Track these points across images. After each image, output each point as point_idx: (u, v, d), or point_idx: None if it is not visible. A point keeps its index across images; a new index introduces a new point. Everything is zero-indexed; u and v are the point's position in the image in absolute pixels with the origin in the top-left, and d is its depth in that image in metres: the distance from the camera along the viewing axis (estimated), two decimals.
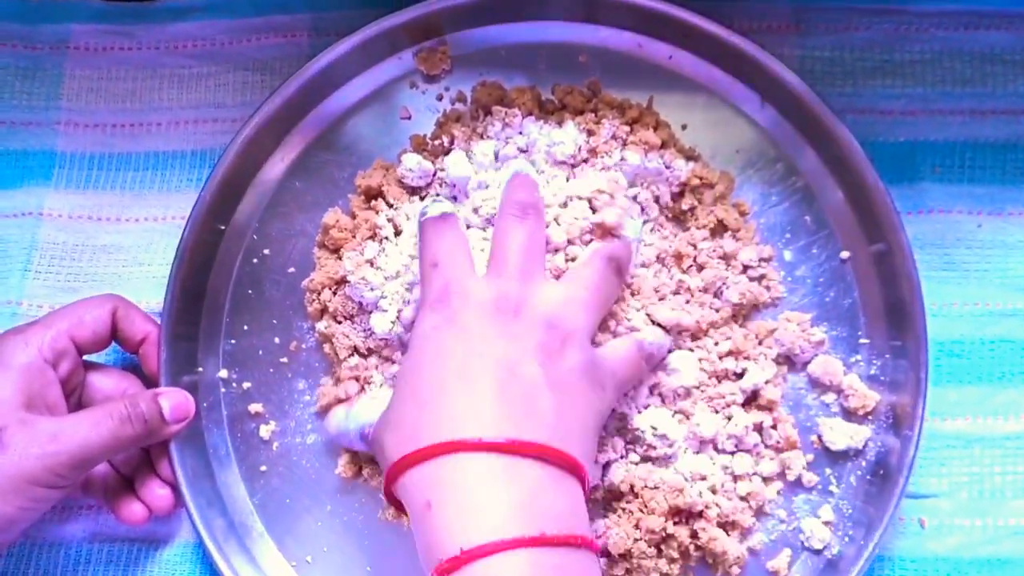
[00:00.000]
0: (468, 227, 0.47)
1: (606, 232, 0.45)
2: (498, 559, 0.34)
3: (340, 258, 0.50)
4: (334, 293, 0.50)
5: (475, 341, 0.39)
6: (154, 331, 0.49)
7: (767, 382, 0.48)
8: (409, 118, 0.53)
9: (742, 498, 0.47)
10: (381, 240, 0.49)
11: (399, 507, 0.40)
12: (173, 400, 0.47)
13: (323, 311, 0.50)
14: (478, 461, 0.36)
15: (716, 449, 0.47)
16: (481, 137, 0.50)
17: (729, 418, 0.47)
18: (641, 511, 0.45)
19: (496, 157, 0.49)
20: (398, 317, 0.47)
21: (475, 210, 0.48)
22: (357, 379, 0.48)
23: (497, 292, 0.41)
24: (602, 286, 0.44)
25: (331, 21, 0.55)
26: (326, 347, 0.50)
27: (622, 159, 0.48)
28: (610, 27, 0.52)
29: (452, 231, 0.44)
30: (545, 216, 0.45)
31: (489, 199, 0.47)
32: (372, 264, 0.48)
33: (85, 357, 0.48)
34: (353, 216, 0.51)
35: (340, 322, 0.49)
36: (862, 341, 0.49)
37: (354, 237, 0.50)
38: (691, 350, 0.48)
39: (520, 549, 0.34)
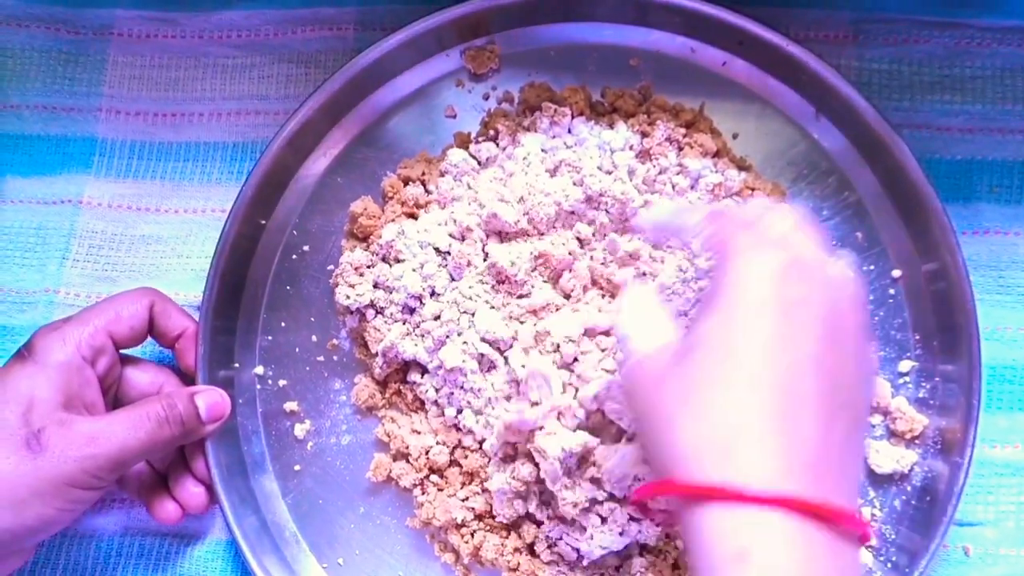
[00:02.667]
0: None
1: None
2: None
3: (369, 246, 0.49)
4: (360, 276, 0.49)
5: (822, 338, 0.31)
6: (191, 326, 0.48)
7: None
8: (455, 116, 0.52)
9: None
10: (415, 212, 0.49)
11: (646, 511, 0.35)
12: (209, 399, 0.46)
13: (351, 311, 0.49)
14: (790, 529, 0.29)
15: None
16: (527, 131, 0.49)
17: None
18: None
19: (543, 151, 0.49)
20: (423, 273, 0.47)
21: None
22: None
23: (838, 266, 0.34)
24: None
25: (378, 16, 0.54)
26: (356, 349, 0.50)
27: (680, 165, 0.47)
28: (662, 30, 0.51)
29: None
30: None
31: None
32: (403, 233, 0.48)
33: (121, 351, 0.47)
34: (385, 197, 0.50)
35: (372, 316, 0.49)
36: (911, 363, 0.48)
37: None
38: None
39: None
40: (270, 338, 0.51)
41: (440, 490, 0.48)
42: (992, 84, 0.51)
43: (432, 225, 0.48)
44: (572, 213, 0.48)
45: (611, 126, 0.49)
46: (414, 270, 0.48)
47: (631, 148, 0.48)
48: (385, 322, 0.48)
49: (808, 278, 0.33)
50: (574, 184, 0.47)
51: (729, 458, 0.30)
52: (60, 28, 0.55)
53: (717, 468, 0.30)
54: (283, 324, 0.51)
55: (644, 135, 0.48)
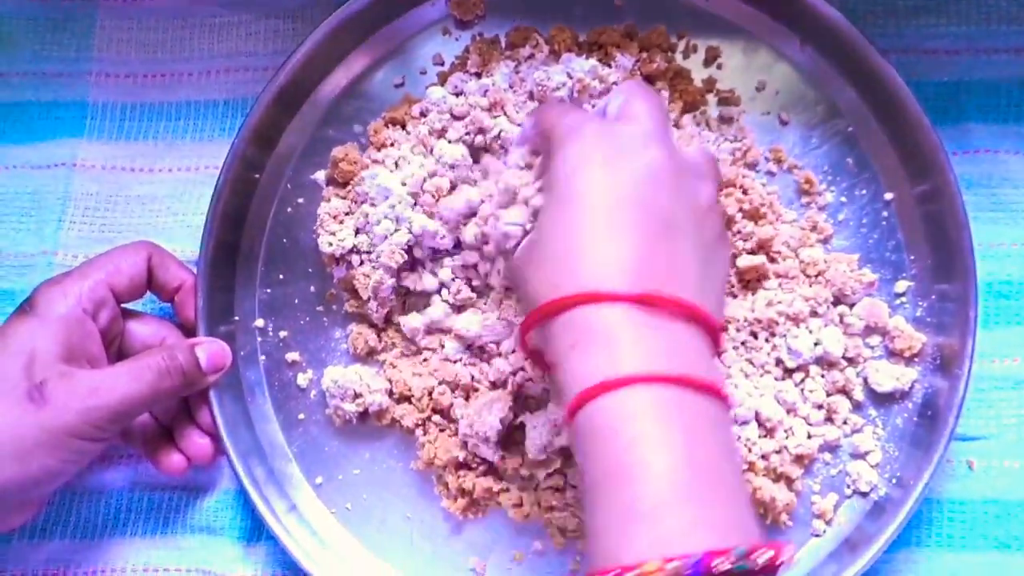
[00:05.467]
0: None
1: None
2: (641, 390, 0.33)
3: (348, 192, 0.49)
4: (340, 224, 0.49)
5: (628, 185, 0.37)
6: (189, 279, 0.48)
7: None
8: (442, 64, 0.52)
9: (789, 450, 0.46)
10: (395, 155, 0.49)
11: (533, 356, 0.39)
12: (210, 350, 0.47)
13: (338, 259, 0.49)
14: (621, 312, 0.34)
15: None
16: (507, 61, 0.50)
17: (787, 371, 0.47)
18: None
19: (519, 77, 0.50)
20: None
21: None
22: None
23: (640, 120, 0.39)
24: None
25: None
26: (348, 301, 0.50)
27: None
28: None
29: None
30: None
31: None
32: (383, 164, 0.49)
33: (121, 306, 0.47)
34: (369, 141, 0.50)
35: (358, 263, 0.49)
36: (907, 283, 0.48)
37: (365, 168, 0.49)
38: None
39: (658, 384, 0.33)
40: (268, 291, 0.51)
41: (442, 431, 0.48)
42: (976, 5, 0.51)
43: (405, 165, 0.48)
44: None
45: (600, 62, 0.49)
46: (386, 216, 0.48)
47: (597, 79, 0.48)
48: (373, 267, 0.48)
49: (620, 150, 0.37)
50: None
51: (572, 276, 0.36)
52: None
53: (565, 287, 0.36)
54: (281, 276, 0.51)
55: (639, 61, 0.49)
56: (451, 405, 0.48)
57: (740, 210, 0.48)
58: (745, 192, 0.48)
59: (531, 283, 0.38)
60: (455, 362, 0.48)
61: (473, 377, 0.48)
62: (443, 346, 0.49)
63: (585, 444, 0.34)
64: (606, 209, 0.36)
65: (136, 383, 0.43)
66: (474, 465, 0.47)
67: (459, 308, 0.49)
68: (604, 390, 0.33)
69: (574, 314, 0.35)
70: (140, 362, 0.44)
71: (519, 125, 0.48)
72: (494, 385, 0.47)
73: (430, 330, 0.49)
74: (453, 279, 0.48)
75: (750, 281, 0.48)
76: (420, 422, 0.48)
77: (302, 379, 0.50)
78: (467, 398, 0.48)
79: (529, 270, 0.38)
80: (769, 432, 0.46)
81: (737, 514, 0.32)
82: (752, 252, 0.48)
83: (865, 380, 0.47)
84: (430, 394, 0.48)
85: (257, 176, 0.51)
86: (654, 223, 0.36)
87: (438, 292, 0.49)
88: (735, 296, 0.48)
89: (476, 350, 0.48)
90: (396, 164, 0.49)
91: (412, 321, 0.49)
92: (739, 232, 0.48)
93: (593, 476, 0.33)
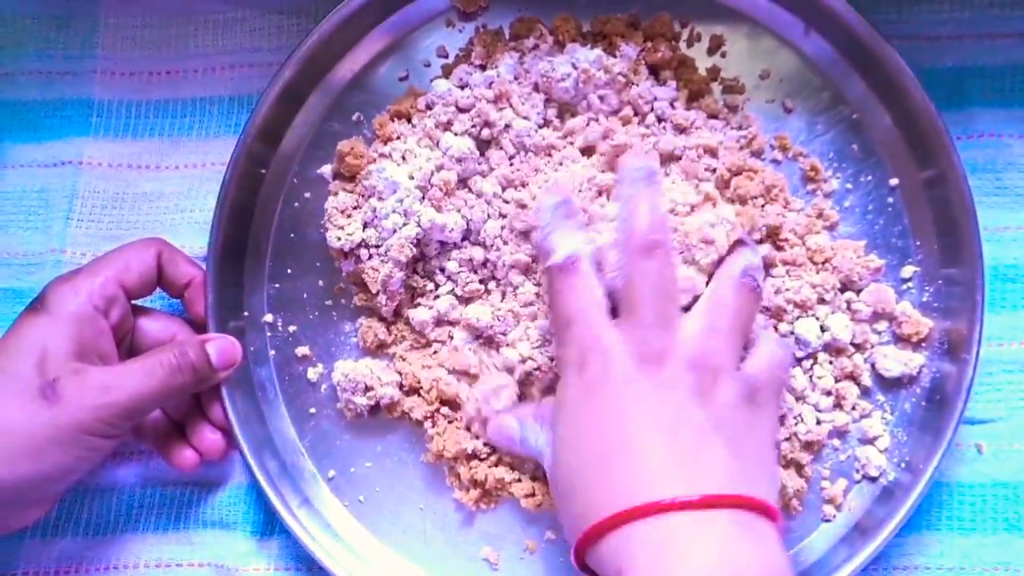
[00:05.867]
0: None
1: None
2: None
3: (356, 186, 0.49)
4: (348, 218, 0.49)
5: (627, 403, 0.38)
6: (199, 275, 0.48)
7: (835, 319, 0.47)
8: (446, 56, 0.52)
9: (798, 437, 0.47)
10: (402, 149, 0.49)
11: (591, 573, 0.39)
12: (220, 346, 0.47)
13: (347, 253, 0.49)
14: (662, 524, 0.35)
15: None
16: (511, 52, 0.50)
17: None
18: None
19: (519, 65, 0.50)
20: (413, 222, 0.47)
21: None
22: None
23: (638, 345, 0.39)
24: (741, 306, 0.41)
25: None
26: (357, 295, 0.50)
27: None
28: None
29: (581, 279, 0.41)
30: (673, 249, 0.42)
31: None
32: (390, 158, 0.49)
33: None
34: (375, 135, 0.50)
35: (366, 257, 0.49)
36: (913, 268, 0.48)
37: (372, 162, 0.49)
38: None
39: None
40: (277, 285, 0.51)
41: (450, 422, 0.48)
42: None
43: (412, 158, 0.48)
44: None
45: (606, 52, 0.49)
46: (394, 210, 0.48)
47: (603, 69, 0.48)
48: (382, 260, 0.48)
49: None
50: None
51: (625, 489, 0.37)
52: None
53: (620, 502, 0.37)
54: (289, 271, 0.51)
55: (644, 50, 0.50)
56: (458, 395, 0.48)
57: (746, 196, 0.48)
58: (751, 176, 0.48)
59: (569, 520, 0.40)
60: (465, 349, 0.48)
61: (482, 361, 0.48)
62: (452, 337, 0.49)
63: None
64: (615, 433, 0.38)
65: (148, 380, 0.43)
66: (484, 456, 0.48)
67: (466, 300, 0.49)
68: None
69: (616, 538, 0.36)
70: (151, 359, 0.44)
71: (525, 118, 0.48)
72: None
73: (439, 322, 0.49)
74: (459, 271, 0.48)
75: None
76: (429, 414, 0.48)
77: (312, 373, 0.50)
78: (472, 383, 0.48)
79: (566, 507, 0.40)
80: (779, 419, 0.46)
81: None
82: (759, 241, 0.48)
83: (873, 366, 0.47)
84: (437, 385, 0.48)
85: (263, 171, 0.51)
86: (661, 428, 0.38)
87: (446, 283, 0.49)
88: None
89: (485, 340, 0.48)
90: (403, 157, 0.49)
91: (420, 314, 0.49)
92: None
93: None
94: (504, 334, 0.48)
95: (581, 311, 0.40)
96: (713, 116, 0.50)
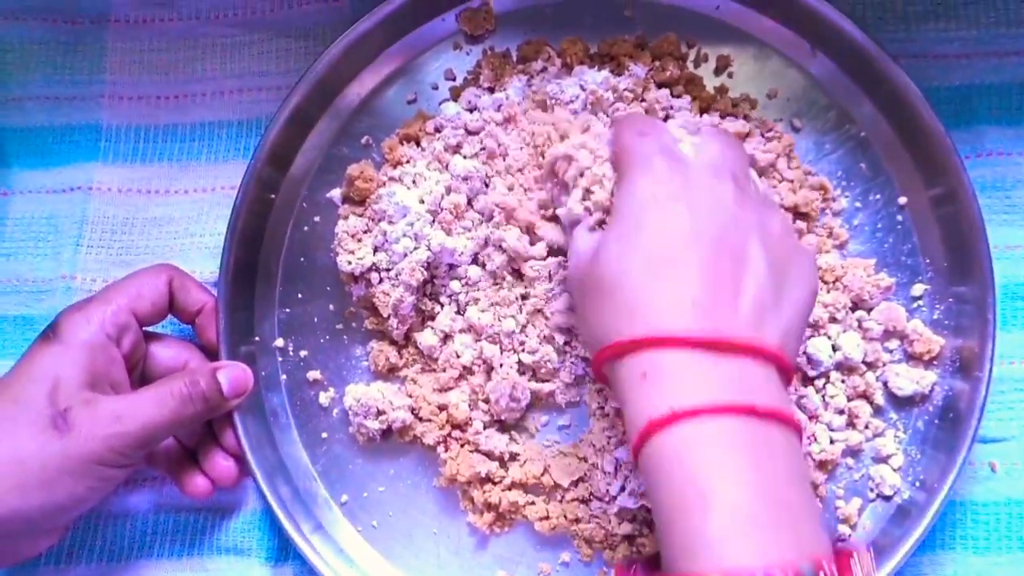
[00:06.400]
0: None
1: None
2: (707, 421, 0.34)
3: (365, 210, 0.50)
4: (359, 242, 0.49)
5: (694, 221, 0.37)
6: (210, 301, 0.48)
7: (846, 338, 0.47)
8: (454, 79, 0.52)
9: (812, 456, 0.47)
10: (412, 173, 0.49)
11: (604, 380, 0.39)
12: (231, 374, 0.47)
13: (357, 277, 0.49)
14: (686, 352, 0.35)
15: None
16: (519, 75, 0.50)
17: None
18: None
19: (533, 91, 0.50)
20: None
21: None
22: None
23: (712, 156, 0.39)
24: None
25: None
26: (368, 319, 0.50)
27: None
28: None
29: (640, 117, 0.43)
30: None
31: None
32: (400, 181, 0.49)
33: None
34: (384, 158, 0.50)
35: (377, 281, 0.49)
36: (923, 287, 0.48)
37: (381, 186, 0.50)
38: None
39: (729, 415, 0.34)
40: (288, 310, 0.51)
41: (462, 446, 0.48)
42: (985, 9, 0.51)
43: (422, 182, 0.49)
44: None
45: (613, 73, 0.49)
46: (404, 234, 0.48)
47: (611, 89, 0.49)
48: (393, 284, 0.48)
49: (687, 186, 0.38)
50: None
51: (637, 318, 0.36)
52: (57, 19, 0.55)
53: (630, 329, 0.36)
54: (300, 295, 0.51)
55: (651, 70, 0.50)
56: (468, 420, 0.48)
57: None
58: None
59: (593, 317, 0.38)
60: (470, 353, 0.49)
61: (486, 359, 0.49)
62: (459, 356, 0.49)
63: (652, 476, 0.34)
64: (671, 247, 0.36)
65: (159, 410, 0.43)
66: (498, 479, 0.48)
67: (464, 310, 0.49)
68: (669, 423, 0.34)
69: (640, 357, 0.36)
70: (163, 388, 0.44)
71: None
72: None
73: (445, 340, 0.49)
74: (465, 290, 0.49)
75: None
76: (441, 439, 0.48)
77: (324, 398, 0.50)
78: (488, 375, 0.48)
79: (588, 302, 0.39)
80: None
81: (801, 537, 0.33)
82: None
83: (885, 384, 0.47)
84: (445, 409, 0.48)
85: (273, 196, 0.51)
86: (722, 259, 0.36)
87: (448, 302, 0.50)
88: None
89: (488, 339, 0.48)
90: (413, 181, 0.49)
91: (427, 339, 0.49)
92: None
93: (660, 507, 0.34)
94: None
95: (654, 125, 0.41)
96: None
